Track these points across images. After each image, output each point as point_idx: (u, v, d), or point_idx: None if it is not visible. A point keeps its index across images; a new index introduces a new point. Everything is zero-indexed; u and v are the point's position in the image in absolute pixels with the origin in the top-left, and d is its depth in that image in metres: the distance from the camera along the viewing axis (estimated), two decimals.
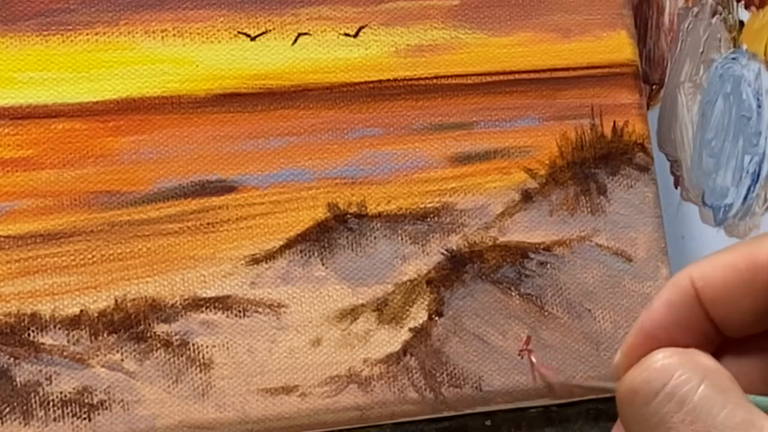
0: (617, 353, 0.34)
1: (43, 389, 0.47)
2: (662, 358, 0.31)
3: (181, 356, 0.49)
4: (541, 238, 0.54)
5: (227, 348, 0.49)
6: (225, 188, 0.51)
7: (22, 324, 0.48)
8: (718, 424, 0.29)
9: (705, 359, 0.31)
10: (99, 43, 0.51)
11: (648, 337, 0.33)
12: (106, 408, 0.48)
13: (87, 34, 0.51)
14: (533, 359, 0.52)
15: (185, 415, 0.48)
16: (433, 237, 0.53)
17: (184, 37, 0.51)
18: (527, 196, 0.54)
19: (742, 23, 0.63)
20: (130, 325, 0.49)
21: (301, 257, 0.51)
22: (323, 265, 0.51)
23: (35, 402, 0.47)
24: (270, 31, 0.52)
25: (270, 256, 0.51)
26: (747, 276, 0.32)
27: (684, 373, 0.31)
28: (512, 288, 0.53)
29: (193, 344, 0.49)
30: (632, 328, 0.33)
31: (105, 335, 0.48)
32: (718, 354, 0.33)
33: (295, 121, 0.52)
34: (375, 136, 0.53)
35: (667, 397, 0.30)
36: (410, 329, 0.52)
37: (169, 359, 0.49)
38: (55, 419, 0.47)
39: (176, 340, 0.49)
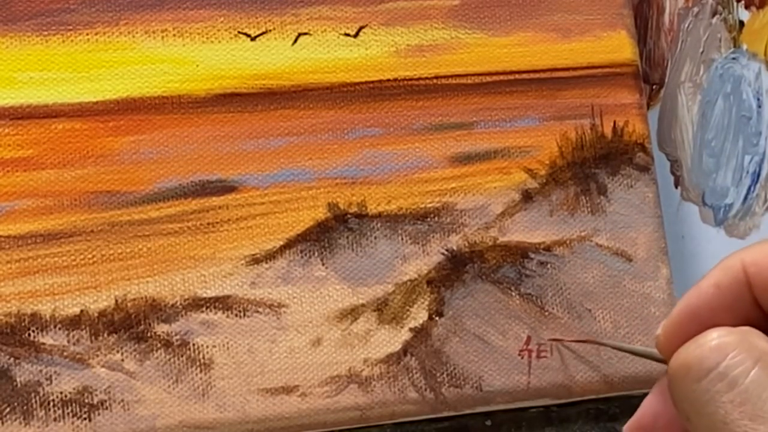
0: (659, 327, 0.34)
1: (44, 389, 0.47)
2: (718, 337, 0.31)
3: (182, 356, 0.49)
4: (541, 238, 0.54)
5: (227, 348, 0.49)
6: (225, 188, 0.51)
7: (23, 324, 0.48)
8: None
9: (761, 341, 0.31)
10: (99, 43, 0.51)
11: (693, 316, 0.33)
12: (107, 408, 0.48)
13: (87, 34, 0.51)
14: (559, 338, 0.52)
15: (185, 415, 0.48)
16: (433, 237, 0.53)
17: (184, 37, 0.51)
18: (527, 196, 0.54)
19: (742, 23, 0.63)
20: (131, 325, 0.49)
21: (302, 257, 0.51)
22: (323, 265, 0.51)
23: (35, 402, 0.47)
24: (270, 31, 0.52)
25: (270, 256, 0.51)
26: None
27: (739, 353, 0.30)
28: (512, 288, 0.53)
29: (194, 344, 0.49)
30: (677, 305, 0.33)
31: (105, 335, 0.48)
32: None
33: (295, 121, 0.52)
34: (375, 136, 0.53)
35: (719, 376, 0.30)
36: (410, 329, 0.51)
37: (169, 359, 0.49)
38: (55, 419, 0.47)
39: (176, 340, 0.49)
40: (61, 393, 0.47)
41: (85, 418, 0.47)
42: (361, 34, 0.53)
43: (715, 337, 0.31)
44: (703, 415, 0.31)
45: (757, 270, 0.32)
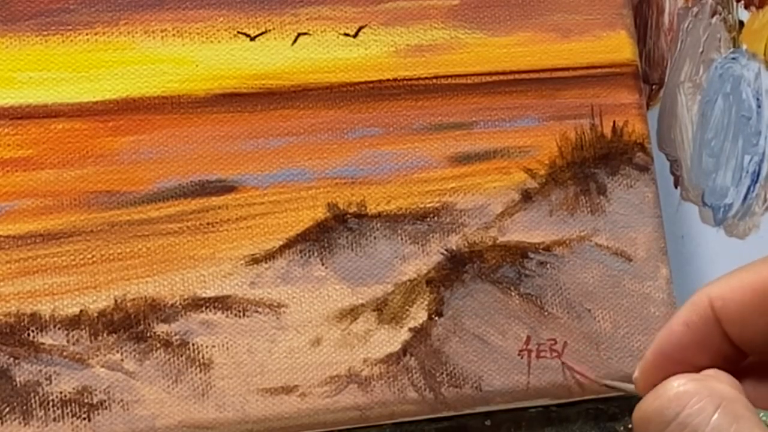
0: (636, 369, 0.34)
1: (43, 389, 0.47)
2: (677, 386, 0.31)
3: (181, 356, 0.49)
4: (540, 238, 0.54)
5: (227, 348, 0.49)
6: (225, 188, 0.51)
7: (22, 324, 0.48)
8: None
9: (722, 386, 0.31)
10: (99, 43, 0.51)
11: (666, 356, 0.33)
12: (106, 408, 0.48)
13: (87, 34, 0.51)
14: (569, 364, 0.52)
15: (185, 415, 0.48)
16: (433, 237, 0.53)
17: (184, 37, 0.51)
18: (527, 196, 0.54)
19: (741, 23, 0.63)
20: (130, 325, 0.49)
21: (301, 257, 0.51)
22: (323, 265, 0.51)
23: (35, 402, 0.47)
24: (270, 31, 0.52)
25: (270, 256, 0.51)
26: (765, 296, 0.32)
27: (699, 401, 0.30)
28: (512, 288, 0.53)
29: (193, 344, 0.49)
30: (651, 346, 0.33)
31: (105, 335, 0.48)
32: (740, 373, 0.33)
33: (295, 121, 0.52)
34: (375, 136, 0.53)
35: (679, 426, 0.30)
36: (410, 329, 0.52)
37: (169, 359, 0.49)
38: (54, 419, 0.47)
39: (176, 340, 0.49)
40: (61, 393, 0.47)
41: (84, 418, 0.47)
42: (360, 34, 0.53)
43: (675, 386, 0.31)
44: None
45: (723, 304, 0.32)
